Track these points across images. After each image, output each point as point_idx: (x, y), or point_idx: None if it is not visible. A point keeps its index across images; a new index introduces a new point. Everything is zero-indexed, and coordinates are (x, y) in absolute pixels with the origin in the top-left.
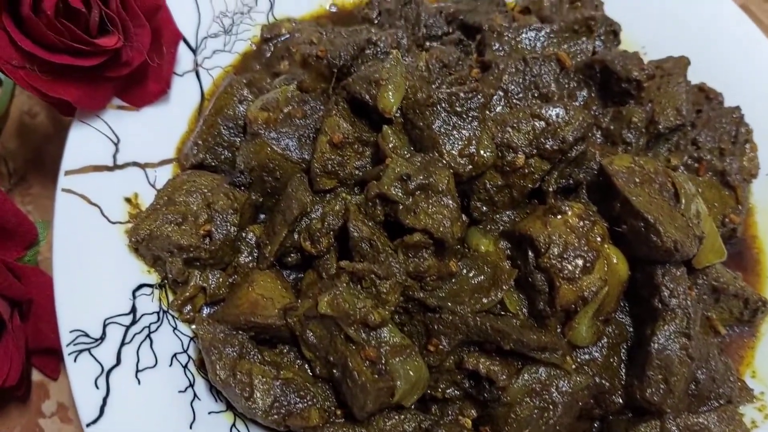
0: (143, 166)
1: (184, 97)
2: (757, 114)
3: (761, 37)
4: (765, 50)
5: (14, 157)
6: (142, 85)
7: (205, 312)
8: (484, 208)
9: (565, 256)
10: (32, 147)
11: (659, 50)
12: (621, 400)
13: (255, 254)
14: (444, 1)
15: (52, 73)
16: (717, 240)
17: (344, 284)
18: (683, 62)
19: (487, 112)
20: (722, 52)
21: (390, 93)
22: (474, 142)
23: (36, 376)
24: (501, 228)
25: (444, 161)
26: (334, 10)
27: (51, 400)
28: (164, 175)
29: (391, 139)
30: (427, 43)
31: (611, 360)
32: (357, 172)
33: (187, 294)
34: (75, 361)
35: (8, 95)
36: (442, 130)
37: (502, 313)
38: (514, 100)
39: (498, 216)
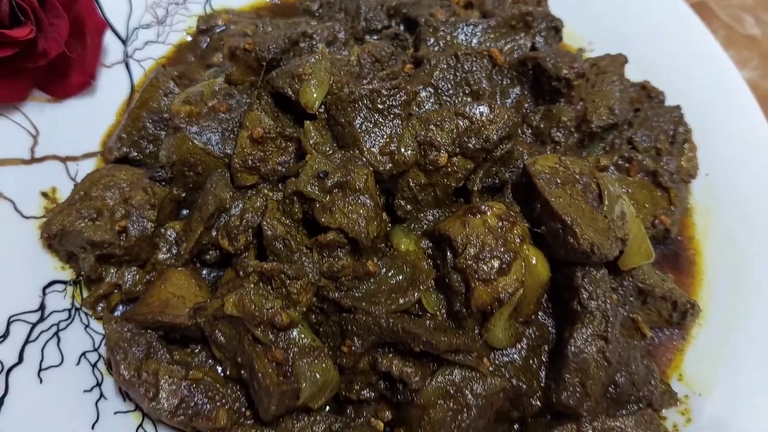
0: (64, 160)
1: (112, 89)
2: (702, 114)
3: (709, 38)
4: (712, 51)
5: None
6: (65, 76)
7: (120, 310)
8: (408, 206)
9: (481, 257)
10: None
11: (606, 46)
12: (539, 403)
13: (174, 251)
14: None
15: None
16: (645, 242)
17: (252, 284)
18: (620, 60)
19: (415, 109)
20: (669, 51)
21: (312, 88)
22: (395, 140)
23: None
24: (425, 227)
25: (364, 159)
26: (276, 1)
27: None
28: (87, 168)
29: (313, 134)
30: (367, 37)
31: (530, 362)
32: (280, 168)
33: (101, 291)
34: None
35: None
36: (364, 127)
37: (420, 314)
38: (444, 97)
39: (423, 215)
